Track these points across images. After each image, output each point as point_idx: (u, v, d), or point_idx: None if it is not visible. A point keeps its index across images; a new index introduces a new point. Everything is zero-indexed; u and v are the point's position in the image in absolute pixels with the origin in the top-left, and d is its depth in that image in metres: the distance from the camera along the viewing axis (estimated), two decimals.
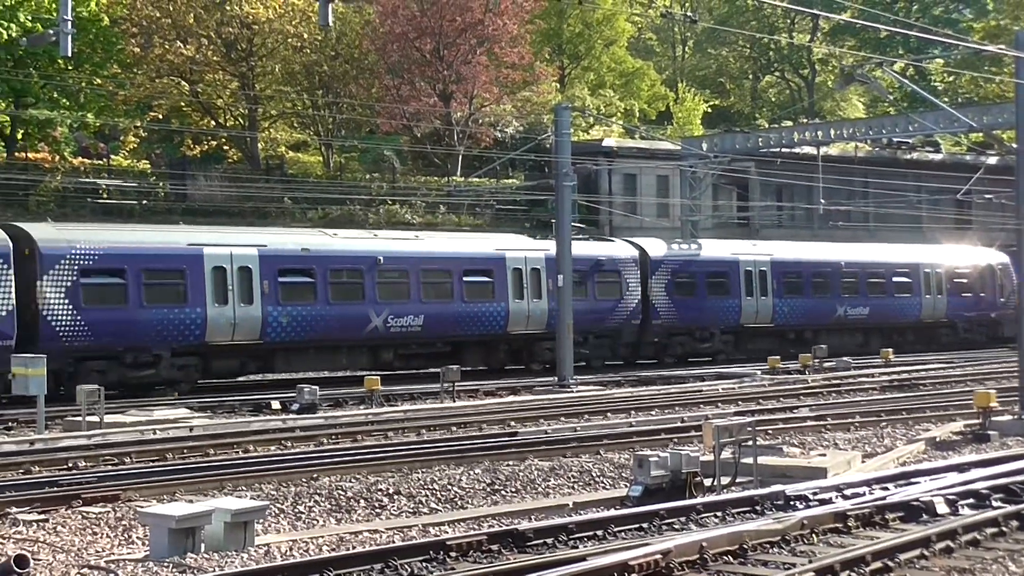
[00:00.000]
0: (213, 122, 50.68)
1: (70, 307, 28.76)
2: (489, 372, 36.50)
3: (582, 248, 37.54)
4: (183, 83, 48.49)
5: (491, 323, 35.96)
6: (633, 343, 39.70)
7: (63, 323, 28.68)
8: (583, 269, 37.26)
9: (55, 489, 16.33)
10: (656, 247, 40.95)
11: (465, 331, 34.98)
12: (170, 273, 30.38)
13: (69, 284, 28.78)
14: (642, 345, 39.95)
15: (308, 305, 32.46)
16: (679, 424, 23.56)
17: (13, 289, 28.01)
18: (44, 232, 29.42)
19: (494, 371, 36.66)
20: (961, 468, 16.91)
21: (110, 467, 18.81)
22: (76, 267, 28.95)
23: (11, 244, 28.41)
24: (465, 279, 35.32)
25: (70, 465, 18.92)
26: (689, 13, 48.02)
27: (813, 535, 12.54)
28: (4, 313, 27.83)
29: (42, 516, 14.84)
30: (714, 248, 42.68)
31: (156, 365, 30.02)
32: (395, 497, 16.27)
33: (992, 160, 54.89)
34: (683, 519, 13.64)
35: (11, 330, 27.81)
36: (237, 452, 20.67)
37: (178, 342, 30.22)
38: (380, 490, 16.60)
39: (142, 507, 14.36)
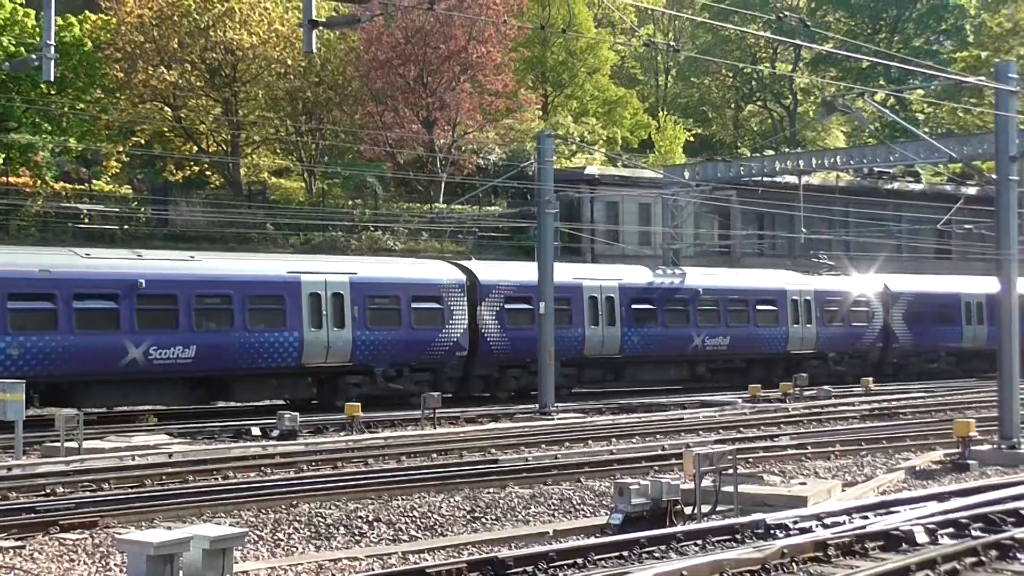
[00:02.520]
0: (196, 147, 50.66)
1: (498, 327, 37.17)
2: (469, 399, 36.55)
3: (840, 283, 46.57)
4: (166, 108, 48.45)
5: (776, 344, 44.01)
6: (876, 363, 46.53)
7: (494, 339, 37.09)
8: (840, 300, 45.91)
9: (32, 515, 16.23)
10: (896, 282, 48.19)
11: (757, 350, 43.45)
12: (562, 301, 37.08)
13: (498, 309, 37.22)
14: (884, 365, 46.76)
15: (651, 327, 40.46)
16: (660, 452, 23.56)
17: (467, 313, 36.10)
18: (480, 268, 37.88)
19: (468, 398, 36.81)
20: (941, 497, 16.94)
21: (88, 493, 18.69)
22: (503, 296, 37.42)
23: (464, 278, 36.57)
24: (758, 307, 43.52)
25: (48, 491, 18.80)
26: (672, 42, 48.14)
27: (793, 564, 12.54)
28: (462, 331, 36.16)
29: (19, 543, 14.74)
30: (940, 283, 50.05)
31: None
32: (375, 524, 16.22)
33: (972, 190, 55.16)
34: (663, 547, 13.62)
35: (466, 344, 36.32)
36: (216, 478, 20.58)
37: (566, 355, 37.63)
38: (360, 517, 16.54)
39: (120, 534, 14.26)
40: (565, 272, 38.08)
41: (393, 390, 34.40)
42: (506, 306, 37.34)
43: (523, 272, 37.91)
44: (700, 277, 42.95)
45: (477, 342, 36.64)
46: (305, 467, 22.00)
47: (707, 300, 42.04)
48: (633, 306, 39.92)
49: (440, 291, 36.02)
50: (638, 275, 40.91)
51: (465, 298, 36.39)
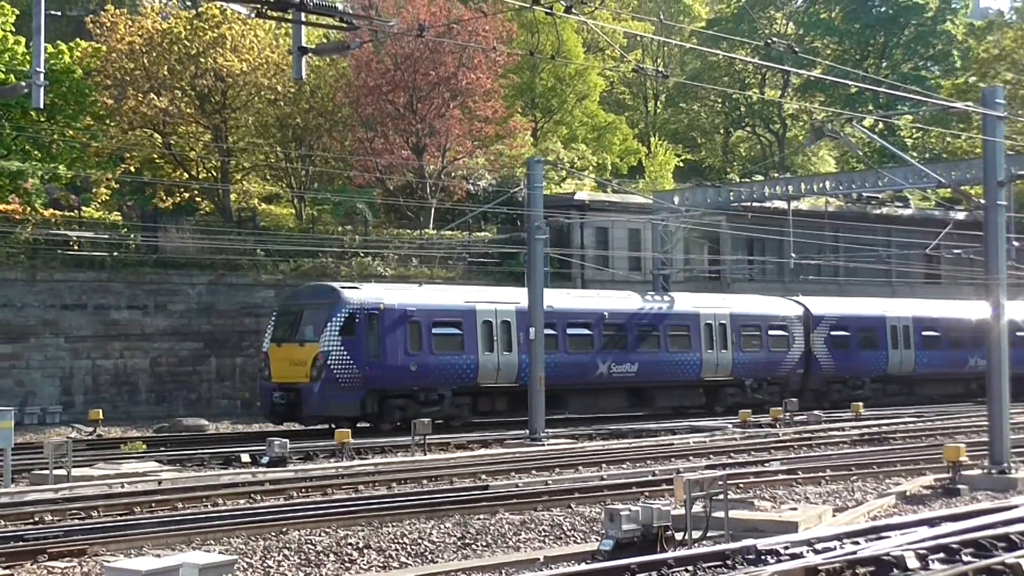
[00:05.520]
0: (185, 174, 50.62)
1: (825, 349, 46.17)
2: (461, 426, 36.52)
3: None
4: (156, 135, 48.40)
5: None
6: None
7: (823, 359, 46.11)
8: None
9: (20, 544, 16.14)
10: None
11: (1018, 369, 48.53)
12: (870, 330, 47.64)
13: (825, 335, 46.19)
14: None
15: (936, 350, 49.06)
16: (650, 478, 23.53)
17: (803, 339, 45.48)
18: (811, 302, 46.75)
19: (469, 424, 36.84)
20: (932, 522, 16.93)
21: (77, 521, 18.62)
22: (828, 325, 46.47)
23: (801, 310, 46.00)
24: (1017, 334, 47.38)
25: (36, 519, 18.73)
26: (661, 68, 48.30)
27: None
28: (800, 353, 45.46)
29: (7, 572, 14.66)
30: None
31: (862, 387, 46.50)
32: (365, 551, 16.17)
33: (960, 215, 55.36)
34: (654, 574, 13.60)
35: (803, 363, 45.49)
36: (206, 505, 20.50)
37: (873, 374, 47.51)
38: (350, 544, 16.49)
39: (109, 562, 14.21)
40: (874, 306, 48.81)
41: (756, 399, 42.92)
42: (831, 333, 46.45)
43: (843, 306, 48.16)
44: (972, 309, 48.29)
45: (810, 362, 45.79)
46: (295, 494, 21.94)
47: (979, 329, 48.22)
48: (923, 333, 48.86)
49: (786, 322, 45.46)
50: (926, 308, 50.15)
51: (802, 327, 45.69)
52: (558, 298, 39.36)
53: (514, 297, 38.22)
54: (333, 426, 33.81)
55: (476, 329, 37.19)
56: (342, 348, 34.39)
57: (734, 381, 43.51)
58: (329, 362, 34.12)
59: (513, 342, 37.64)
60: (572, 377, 38.77)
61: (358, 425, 34.49)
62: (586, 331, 39.99)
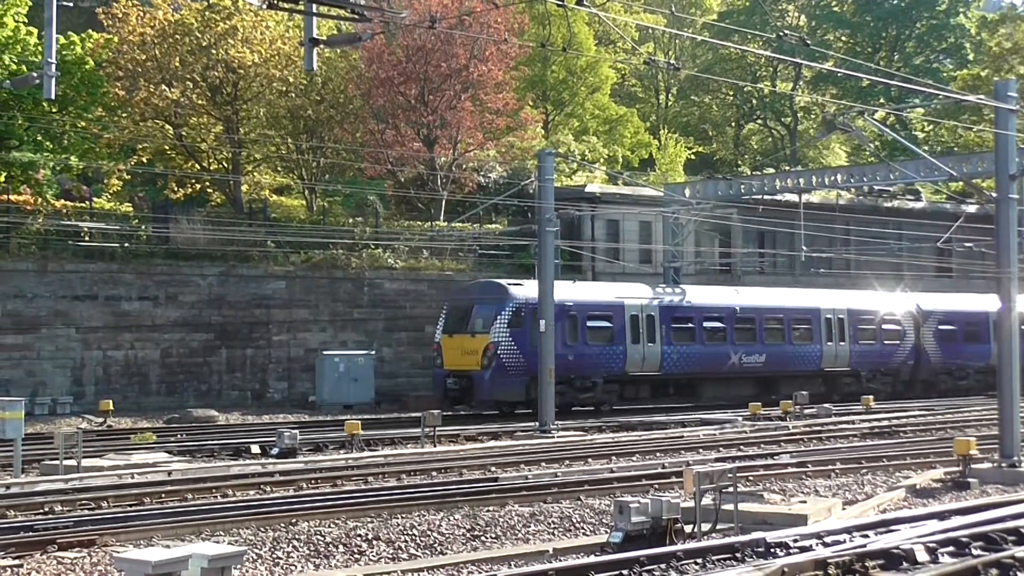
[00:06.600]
0: (197, 165, 50.64)
1: (934, 343, 49.16)
2: (470, 417, 36.55)
3: None
4: (167, 126, 48.43)
5: None
6: None
7: (931, 352, 48.98)
8: None
9: (30, 533, 16.21)
10: None
11: None
12: (974, 324, 50.18)
13: (933, 330, 49.23)
14: None
15: None
16: (660, 470, 23.52)
17: (914, 333, 48.68)
18: (922, 298, 50.25)
19: (477, 416, 36.90)
20: (941, 516, 16.91)
21: (87, 511, 18.68)
22: (937, 320, 49.37)
23: (913, 306, 49.29)
24: None
25: (46, 509, 18.79)
26: (672, 61, 48.24)
27: None
28: (911, 346, 48.70)
29: (17, 561, 14.71)
30: None
31: (967, 378, 49.78)
32: (374, 543, 16.19)
33: (972, 209, 55.16)
34: (663, 566, 13.59)
35: (913, 356, 48.66)
36: (216, 496, 20.54)
37: (977, 366, 49.43)
38: (359, 535, 16.52)
39: (118, 552, 14.24)
40: (979, 302, 50.24)
41: (871, 388, 45.83)
42: (939, 327, 49.45)
43: (950, 302, 51.14)
44: None
45: (920, 354, 48.94)
46: (304, 485, 21.98)
47: None
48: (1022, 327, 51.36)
49: (898, 316, 48.66)
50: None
51: (912, 321, 48.82)
52: (695, 293, 43.49)
53: (656, 293, 42.14)
54: (496, 411, 38.31)
55: (625, 322, 40.67)
56: (510, 339, 38.04)
57: (851, 372, 46.79)
58: (499, 351, 37.83)
59: (657, 334, 41.18)
60: (707, 367, 42.57)
61: (516, 411, 38.44)
62: (720, 324, 43.42)
